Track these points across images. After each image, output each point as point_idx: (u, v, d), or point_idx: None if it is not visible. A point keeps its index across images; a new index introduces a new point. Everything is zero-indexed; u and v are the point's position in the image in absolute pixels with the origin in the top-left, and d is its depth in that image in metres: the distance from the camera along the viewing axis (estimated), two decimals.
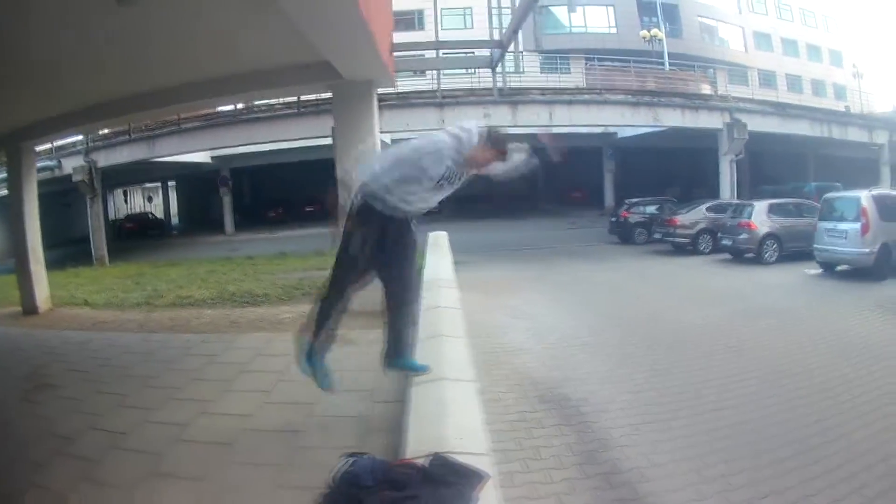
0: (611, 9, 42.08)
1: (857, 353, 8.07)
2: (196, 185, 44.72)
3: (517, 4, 11.65)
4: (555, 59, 37.01)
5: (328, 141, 20.99)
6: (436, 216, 38.99)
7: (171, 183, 51.52)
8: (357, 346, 7.40)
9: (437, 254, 11.21)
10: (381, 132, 27.90)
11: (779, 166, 37.34)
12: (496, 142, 4.08)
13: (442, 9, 39.42)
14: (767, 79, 44.64)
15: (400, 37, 38.48)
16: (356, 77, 9.35)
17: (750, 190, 31.03)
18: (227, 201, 37.92)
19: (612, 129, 34.94)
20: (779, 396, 6.56)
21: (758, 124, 28.53)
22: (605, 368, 7.59)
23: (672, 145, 34.67)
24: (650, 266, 19.00)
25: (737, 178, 28.14)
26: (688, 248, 21.29)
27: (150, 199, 58.04)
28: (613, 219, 26.45)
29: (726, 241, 19.63)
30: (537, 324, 10.47)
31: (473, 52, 20.71)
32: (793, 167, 37.70)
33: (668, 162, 37.94)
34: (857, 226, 14.80)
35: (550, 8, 41.90)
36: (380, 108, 24.40)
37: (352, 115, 9.98)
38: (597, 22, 42.11)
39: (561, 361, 7.90)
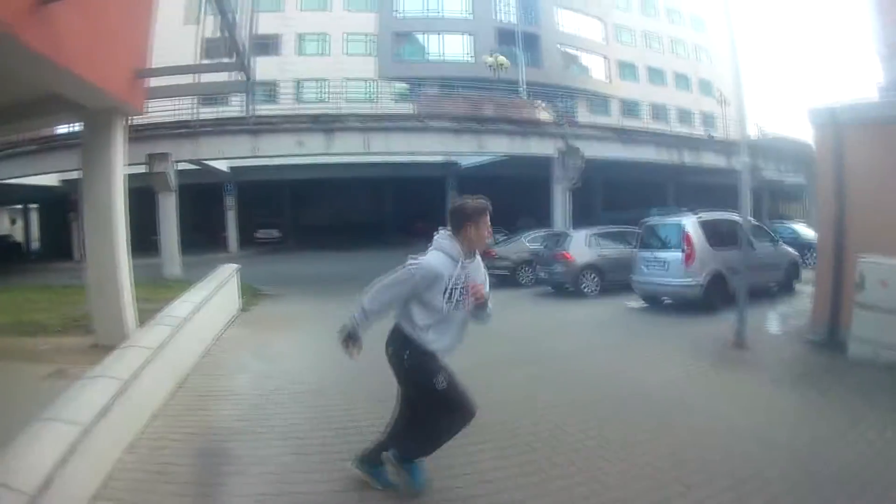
0: (469, 37, 43.55)
1: (641, 413, 6.36)
2: (52, 209, 43.55)
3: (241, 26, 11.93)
4: (413, 85, 38.63)
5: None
6: (278, 246, 39.86)
7: (35, 205, 50.07)
8: (68, 380, 7.54)
9: (200, 289, 11.17)
10: (201, 160, 28.26)
11: (637, 193, 38.03)
12: (473, 212, 4.30)
13: (300, 34, 40.87)
14: (631, 108, 46.88)
15: (259, 62, 39.22)
16: (95, 106, 9.51)
17: (600, 218, 31.13)
18: (75, 226, 37.15)
19: (453, 158, 35.07)
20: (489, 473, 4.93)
21: (598, 150, 28.85)
22: (292, 423, 6.45)
23: (518, 173, 34.30)
24: None
25: (589, 206, 29.19)
26: (509, 280, 20.04)
27: (13, 222, 56.52)
28: None
29: (542, 274, 18.94)
30: (276, 367, 9.38)
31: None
32: (651, 194, 38.60)
33: (515, 191, 36.96)
34: (679, 255, 13.57)
35: (415, 34, 43.62)
36: (193, 134, 24.97)
37: (95, 145, 10.16)
38: (454, 50, 43.43)
39: (258, 412, 6.94)
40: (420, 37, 43.96)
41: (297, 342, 11.55)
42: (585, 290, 17.20)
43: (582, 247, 17.82)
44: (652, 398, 6.98)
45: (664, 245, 14.42)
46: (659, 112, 48.10)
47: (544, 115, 31.72)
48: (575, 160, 27.48)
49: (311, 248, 36.24)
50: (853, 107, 9.78)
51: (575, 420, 6.25)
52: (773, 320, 12.23)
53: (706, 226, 14.02)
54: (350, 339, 4.47)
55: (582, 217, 28.67)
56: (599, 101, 45.87)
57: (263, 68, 39.88)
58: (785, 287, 15.62)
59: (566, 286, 17.56)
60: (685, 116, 50.85)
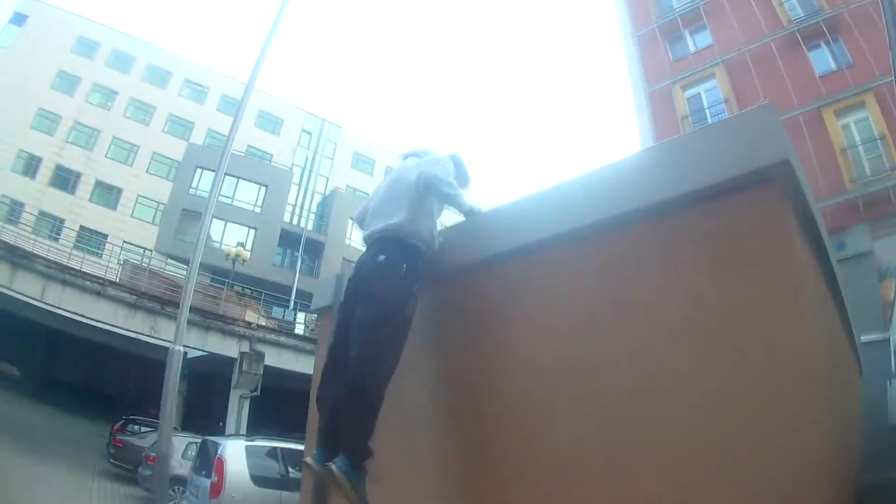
0: (251, 231, 44.27)
1: None
2: None
3: None
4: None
5: None
6: (21, 384, 37.99)
7: None
8: None
9: None
10: None
11: None
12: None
13: (98, 180, 42.81)
14: None
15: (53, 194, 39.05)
16: None
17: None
18: None
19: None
20: None
21: (285, 362, 28.02)
22: None
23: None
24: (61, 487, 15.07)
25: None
26: (134, 475, 18.37)
27: None
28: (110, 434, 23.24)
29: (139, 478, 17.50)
30: None
31: None
32: None
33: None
34: (208, 484, 10.73)
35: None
36: None
37: None
38: (233, 240, 41.76)
39: None
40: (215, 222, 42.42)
41: None
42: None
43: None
44: None
45: (205, 469, 11.58)
46: None
47: (251, 314, 30.65)
48: (252, 366, 26.71)
49: (50, 402, 34.85)
50: None
51: None
52: None
53: (260, 453, 11.57)
54: None
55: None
56: None
57: (54, 202, 40.88)
58: None
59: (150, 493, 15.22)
60: None
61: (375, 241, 3.95)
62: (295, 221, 47.77)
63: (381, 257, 3.79)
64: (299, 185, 50.96)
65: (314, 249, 46.18)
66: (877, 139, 19.83)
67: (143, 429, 22.61)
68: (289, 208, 48.47)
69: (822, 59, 22.70)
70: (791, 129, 20.27)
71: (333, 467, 3.41)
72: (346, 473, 3.38)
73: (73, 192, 41.95)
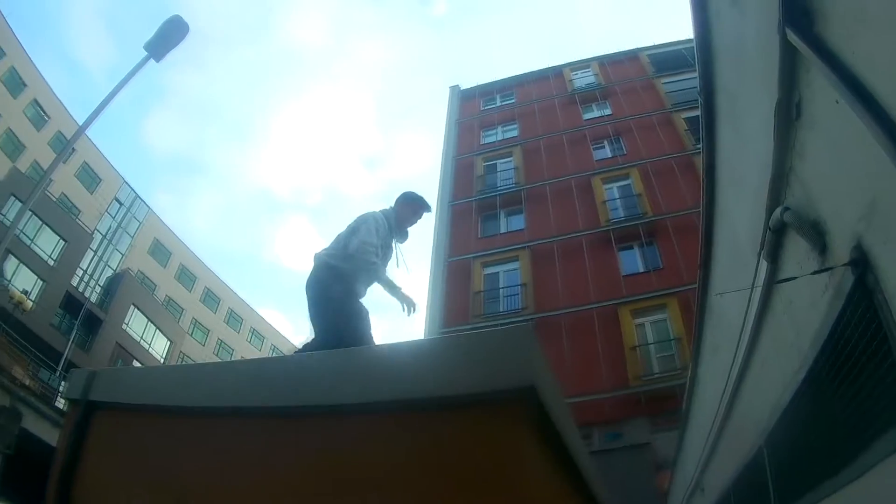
0: (42, 283, 41.19)
1: None
2: None
3: None
4: None
5: None
6: None
7: None
8: None
9: None
10: None
11: None
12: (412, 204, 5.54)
13: None
14: None
15: None
16: None
17: None
18: None
19: None
20: None
21: (49, 435, 25.52)
22: None
23: None
24: None
25: None
26: None
27: None
28: None
29: None
30: None
31: None
32: None
33: None
34: None
35: None
36: None
37: None
38: (18, 283, 38.85)
39: None
40: None
41: None
42: None
43: None
44: None
45: None
46: None
47: (19, 370, 29.00)
48: (9, 424, 24.84)
49: None
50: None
51: None
52: None
53: None
54: None
55: None
56: None
57: None
58: None
59: None
60: None
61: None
62: (81, 288, 45.53)
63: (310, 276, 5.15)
64: (95, 253, 48.99)
65: (92, 324, 43.76)
66: (671, 340, 21.75)
67: None
68: (79, 272, 46.18)
69: (632, 261, 25.11)
70: (585, 323, 23.05)
71: None
72: None
73: None
